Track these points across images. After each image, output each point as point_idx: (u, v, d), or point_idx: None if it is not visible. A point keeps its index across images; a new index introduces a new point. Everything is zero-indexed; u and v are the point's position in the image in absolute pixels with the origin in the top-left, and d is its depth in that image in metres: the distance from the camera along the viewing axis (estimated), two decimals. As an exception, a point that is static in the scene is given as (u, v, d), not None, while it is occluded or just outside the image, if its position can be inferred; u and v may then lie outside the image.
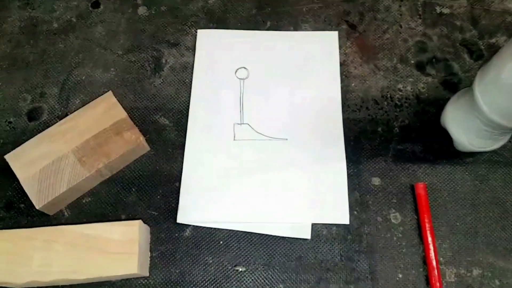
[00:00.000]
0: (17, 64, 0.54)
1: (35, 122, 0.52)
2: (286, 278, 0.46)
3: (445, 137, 0.51)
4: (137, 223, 0.42)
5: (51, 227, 0.43)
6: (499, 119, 0.42)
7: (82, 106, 0.49)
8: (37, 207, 0.44)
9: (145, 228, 0.45)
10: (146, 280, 0.46)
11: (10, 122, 0.52)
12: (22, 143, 0.48)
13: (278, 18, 0.58)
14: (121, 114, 0.48)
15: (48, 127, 0.49)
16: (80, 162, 0.46)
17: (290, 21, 0.58)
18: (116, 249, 0.41)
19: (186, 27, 0.57)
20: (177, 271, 0.46)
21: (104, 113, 0.48)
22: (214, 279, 0.46)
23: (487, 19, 0.58)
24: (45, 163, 0.45)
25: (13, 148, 0.48)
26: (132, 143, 0.47)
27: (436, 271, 0.46)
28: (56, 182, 0.45)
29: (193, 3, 0.58)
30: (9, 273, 0.40)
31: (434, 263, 0.46)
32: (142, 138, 0.48)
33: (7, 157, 0.46)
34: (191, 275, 0.46)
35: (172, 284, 0.46)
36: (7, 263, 0.41)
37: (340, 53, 0.56)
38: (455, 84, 0.55)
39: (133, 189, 0.49)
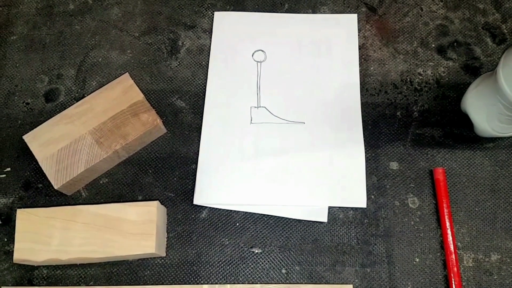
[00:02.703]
0: (34, 45, 0.57)
1: (52, 103, 0.54)
2: (302, 260, 0.48)
3: (465, 122, 0.52)
4: (155, 204, 0.45)
5: (70, 206, 0.45)
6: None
7: (99, 88, 0.52)
8: (55, 187, 0.47)
9: (162, 209, 0.47)
10: (163, 260, 0.48)
11: (27, 103, 0.54)
12: (40, 124, 0.51)
13: (294, 3, 0.59)
14: (138, 96, 0.50)
15: (65, 108, 0.51)
16: (97, 143, 0.48)
17: (309, 3, 0.59)
18: (134, 229, 0.44)
19: (203, 9, 0.59)
20: (193, 252, 0.49)
21: (121, 95, 0.50)
22: (230, 260, 0.48)
23: (511, 2, 0.59)
24: (63, 144, 0.48)
25: (31, 129, 0.51)
26: (149, 125, 0.49)
27: (453, 255, 0.48)
28: (74, 162, 0.47)
29: (210, -16, 0.60)
30: (29, 251, 0.43)
31: (451, 247, 0.48)
32: (159, 120, 0.50)
33: (26, 137, 0.49)
34: (207, 255, 0.49)
35: (188, 264, 0.48)
36: (27, 241, 0.43)
37: (359, 36, 0.57)
38: (476, 69, 0.56)
39: (150, 171, 0.52)
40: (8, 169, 0.52)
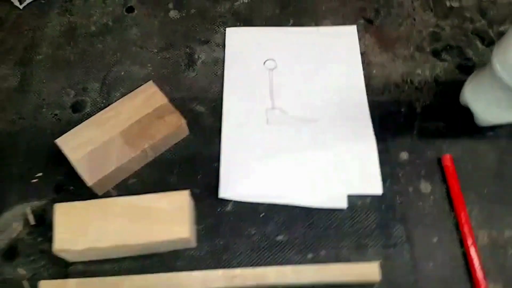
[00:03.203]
0: (59, 63, 0.61)
1: (79, 114, 0.58)
2: (326, 245, 0.51)
3: (466, 114, 0.57)
4: (186, 192, 0.48)
5: (104, 199, 0.48)
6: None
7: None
8: (89, 184, 0.49)
9: (191, 201, 0.50)
10: (193, 251, 0.51)
11: (55, 115, 0.58)
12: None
13: (300, 16, 0.65)
14: (162, 100, 0.54)
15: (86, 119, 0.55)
16: (126, 144, 0.52)
17: (311, 18, 0.65)
18: (167, 216, 0.46)
19: (215, 26, 0.64)
20: (221, 242, 0.51)
21: (146, 100, 0.54)
22: (257, 248, 0.51)
23: (495, 10, 0.66)
24: (94, 146, 0.51)
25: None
26: (174, 126, 0.53)
27: (469, 233, 0.51)
28: (105, 162, 0.51)
29: (220, 5, 0.66)
30: (68, 242, 0.45)
31: (466, 226, 0.51)
32: (183, 121, 0.54)
33: (58, 141, 0.52)
34: (235, 245, 0.51)
35: (218, 253, 0.50)
36: (65, 232, 0.46)
37: (360, 45, 0.63)
38: (470, 68, 0.61)
39: (175, 171, 0.55)
40: (40, 174, 0.54)
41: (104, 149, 0.51)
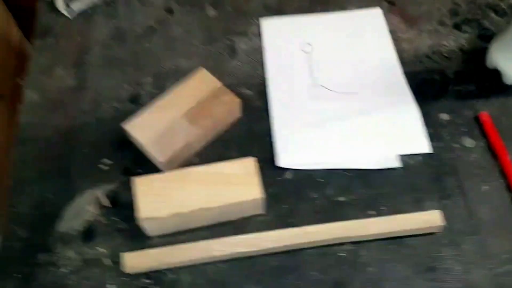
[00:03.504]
0: (111, 62, 0.63)
1: (137, 105, 0.59)
2: (385, 201, 0.53)
3: (494, 75, 0.60)
4: (253, 158, 0.50)
5: (179, 169, 0.50)
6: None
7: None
8: (161, 160, 0.51)
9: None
10: (262, 217, 0.52)
11: (115, 107, 0.60)
12: None
13: (327, 4, 0.69)
14: (216, 83, 0.56)
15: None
16: (190, 123, 0.54)
17: (337, 5, 0.68)
18: (239, 180, 0.48)
19: (250, 19, 0.67)
20: (286, 207, 0.53)
21: (201, 84, 0.56)
22: (320, 210, 0.52)
23: (503, -15, 0.70)
24: (161, 127, 0.53)
25: (120, 129, 0.56)
26: (230, 105, 0.55)
27: (516, 178, 0.53)
28: (173, 140, 0.52)
29: (253, 1, 0.69)
30: (153, 209, 0.47)
31: (512, 172, 0.53)
32: (237, 100, 0.56)
33: (126, 125, 0.54)
34: (299, 209, 0.53)
35: (284, 217, 0.52)
36: (149, 202, 0.47)
37: (387, 24, 0.66)
38: (489, 36, 0.64)
39: (233, 147, 0.56)
40: (108, 161, 0.56)
41: (170, 129, 0.53)
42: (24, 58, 1.01)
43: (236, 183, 0.48)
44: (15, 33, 0.97)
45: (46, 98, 0.61)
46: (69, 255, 0.50)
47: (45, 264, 0.50)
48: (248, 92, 0.61)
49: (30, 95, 0.61)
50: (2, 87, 0.91)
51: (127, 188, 0.54)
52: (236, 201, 0.47)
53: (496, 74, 0.60)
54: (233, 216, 0.51)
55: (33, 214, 0.53)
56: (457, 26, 0.66)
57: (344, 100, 0.59)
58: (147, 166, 0.54)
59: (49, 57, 0.64)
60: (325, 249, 0.50)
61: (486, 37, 0.65)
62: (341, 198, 0.53)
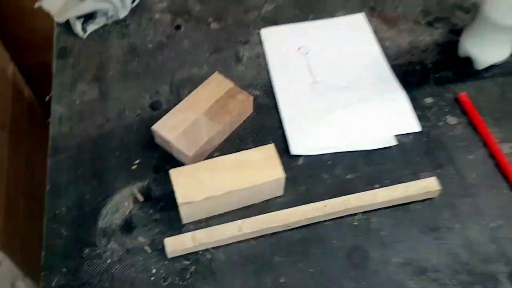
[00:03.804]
0: (129, 75, 0.68)
1: (158, 111, 0.64)
2: (387, 175, 0.58)
3: (467, 63, 0.67)
4: (272, 145, 0.55)
5: (208, 160, 0.54)
6: (505, 20, 0.59)
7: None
8: (190, 154, 0.55)
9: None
10: (282, 198, 0.57)
11: (138, 114, 0.64)
12: (151, 127, 0.60)
13: (317, 13, 0.75)
14: (230, 84, 0.62)
15: (167, 112, 0.61)
16: (211, 120, 0.58)
17: (326, 13, 0.75)
18: (262, 164, 0.53)
19: (250, 30, 0.73)
20: (302, 188, 0.58)
21: (216, 86, 0.61)
22: (333, 187, 0.57)
23: (465, -13, 0.78)
24: (185, 126, 0.58)
25: (147, 131, 0.61)
26: (244, 102, 0.60)
27: (497, 146, 0.59)
28: (197, 136, 0.57)
29: (251, 14, 0.75)
30: (189, 194, 0.51)
31: (493, 141, 0.60)
32: (251, 98, 0.61)
33: (154, 127, 0.58)
34: (315, 189, 0.57)
35: (302, 197, 0.57)
36: (186, 189, 0.51)
37: (370, 26, 0.73)
38: (458, 30, 0.71)
39: (249, 140, 0.61)
40: (138, 161, 0.60)
41: (194, 127, 0.58)
42: (18, 90, 1.05)
43: (260, 167, 0.53)
44: (9, 66, 1.01)
45: (72, 111, 0.64)
46: (112, 247, 0.54)
47: (90, 257, 0.53)
48: (256, 92, 0.66)
49: (57, 109, 0.65)
50: (3, 117, 0.94)
51: (158, 183, 0.58)
52: (261, 182, 0.52)
53: (468, 61, 0.68)
54: (257, 199, 0.55)
55: (72, 214, 0.56)
56: (430, 24, 0.74)
57: (342, 93, 0.65)
58: (173, 163, 0.58)
59: (70, 74, 0.68)
60: (340, 220, 0.56)
61: (456, 31, 0.72)
62: (349, 176, 0.59)
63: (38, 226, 1.00)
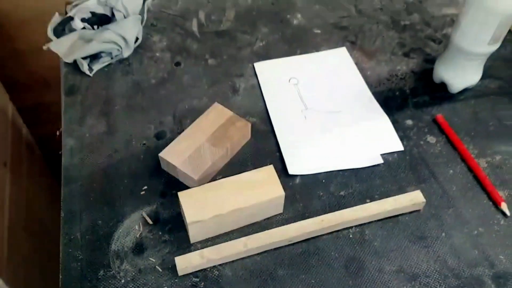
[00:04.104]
0: (134, 109, 0.71)
1: (162, 140, 0.67)
2: (376, 191, 0.62)
3: (442, 88, 0.73)
4: (271, 166, 0.58)
5: (213, 182, 0.57)
6: (473, 48, 0.65)
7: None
8: (195, 178, 0.58)
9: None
10: (281, 216, 0.60)
11: (144, 144, 0.67)
12: (157, 156, 0.63)
13: (304, 47, 0.80)
14: (229, 113, 0.65)
15: (172, 141, 0.65)
16: (214, 146, 0.62)
17: (312, 47, 0.80)
18: (262, 184, 0.56)
19: (244, 64, 0.77)
20: (301, 205, 0.61)
21: (217, 115, 0.65)
22: (328, 203, 0.61)
23: (435, 21, 0.84)
24: (190, 152, 0.61)
25: (153, 159, 0.64)
26: (243, 128, 0.64)
27: (473, 161, 0.64)
28: (202, 161, 0.60)
29: (244, 50, 0.79)
30: (197, 214, 0.53)
31: (470, 157, 0.64)
32: (249, 124, 0.65)
33: (161, 154, 0.61)
34: (312, 205, 0.60)
35: (300, 214, 0.60)
36: (193, 209, 0.54)
37: (352, 58, 0.78)
38: (432, 59, 0.77)
39: (249, 164, 0.64)
40: (145, 187, 0.62)
41: (198, 153, 0.61)
42: (18, 130, 1.07)
43: (261, 186, 0.56)
44: (9, 106, 1.04)
45: (82, 143, 0.67)
46: (125, 267, 0.56)
47: (105, 278, 0.55)
48: (253, 119, 0.70)
49: (68, 142, 0.67)
50: (4, 155, 0.96)
51: (165, 207, 0.61)
52: (263, 200, 0.55)
53: (443, 86, 0.73)
54: (259, 217, 0.58)
55: (87, 238, 0.58)
56: (406, 55, 0.79)
57: (331, 118, 0.69)
58: (179, 188, 0.60)
59: (79, 110, 0.71)
60: (337, 233, 0.58)
61: (430, 60, 0.78)
62: (342, 193, 0.62)
63: (39, 258, 1.01)
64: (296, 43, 0.81)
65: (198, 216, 0.53)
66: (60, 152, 0.67)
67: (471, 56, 0.67)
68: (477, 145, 0.67)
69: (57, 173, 0.87)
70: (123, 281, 0.55)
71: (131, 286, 0.54)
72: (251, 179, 0.57)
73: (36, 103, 1.19)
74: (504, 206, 0.60)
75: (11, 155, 0.99)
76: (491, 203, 0.61)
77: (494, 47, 0.65)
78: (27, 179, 1.04)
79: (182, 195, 0.55)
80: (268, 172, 0.58)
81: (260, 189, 0.56)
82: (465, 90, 0.72)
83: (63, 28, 0.78)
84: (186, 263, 0.54)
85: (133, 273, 0.55)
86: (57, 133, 0.70)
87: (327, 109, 0.71)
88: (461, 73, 0.69)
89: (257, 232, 0.57)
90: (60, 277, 0.55)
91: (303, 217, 0.59)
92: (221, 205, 0.54)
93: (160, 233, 0.59)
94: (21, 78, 1.11)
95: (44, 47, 0.78)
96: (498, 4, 0.60)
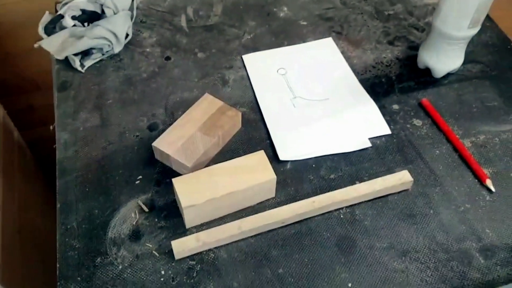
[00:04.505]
0: (127, 102, 0.72)
1: (155, 132, 0.68)
2: (366, 173, 0.63)
3: (426, 73, 0.75)
4: (261, 152, 0.59)
5: (206, 168, 0.58)
6: (453, 32, 0.67)
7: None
8: (189, 166, 0.60)
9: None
10: (274, 200, 0.61)
11: (137, 135, 0.68)
12: (151, 147, 0.65)
13: (291, 39, 0.82)
14: (220, 103, 0.67)
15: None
16: (205, 134, 0.63)
17: (299, 39, 0.82)
18: (254, 168, 0.57)
19: (233, 56, 0.79)
20: (292, 189, 0.62)
21: (208, 105, 0.66)
22: (319, 187, 0.62)
23: (418, 10, 0.87)
24: (183, 141, 0.62)
25: (146, 150, 0.65)
26: (234, 117, 0.65)
27: (458, 141, 0.66)
28: (194, 149, 0.61)
29: (232, 43, 0.81)
30: (192, 198, 0.54)
31: (455, 137, 0.66)
32: (239, 113, 0.66)
33: (155, 144, 0.62)
34: (303, 189, 0.62)
35: (292, 197, 0.61)
36: (188, 194, 0.55)
37: (338, 48, 0.80)
38: (416, 46, 0.79)
39: (240, 151, 0.66)
40: (140, 176, 0.63)
41: (190, 141, 0.62)
42: (9, 133, 1.08)
43: (253, 171, 0.57)
44: (0, 109, 1.04)
45: (76, 136, 0.68)
46: (123, 254, 0.57)
47: (102, 265, 0.56)
48: (243, 109, 0.71)
49: (61, 136, 0.68)
50: None
51: (160, 195, 0.62)
52: (255, 183, 0.56)
53: (427, 71, 0.75)
54: (252, 201, 0.59)
55: (83, 227, 0.59)
56: (390, 43, 0.81)
57: (320, 105, 0.71)
58: (173, 176, 0.61)
59: (71, 105, 0.72)
60: (328, 214, 0.60)
61: (414, 47, 0.80)
62: (332, 176, 0.64)
63: (35, 259, 1.01)
64: (283, 34, 0.83)
65: (193, 201, 0.55)
66: (54, 146, 0.68)
67: (452, 41, 0.69)
68: (461, 126, 0.69)
69: (49, 176, 0.88)
70: (120, 267, 0.56)
71: (128, 272, 0.56)
72: (243, 164, 0.58)
73: (26, 106, 1.20)
74: (488, 183, 0.62)
75: (2, 158, 0.99)
76: (476, 180, 0.63)
77: (474, 30, 0.67)
78: (19, 182, 1.04)
79: (176, 181, 0.56)
80: (260, 157, 0.59)
81: (252, 173, 0.57)
82: (448, 74, 0.75)
83: (53, 26, 0.79)
84: (182, 246, 0.55)
85: (131, 259, 0.56)
86: (51, 128, 0.71)
87: (315, 97, 0.72)
88: (444, 58, 0.71)
89: (251, 215, 0.59)
90: (58, 265, 0.56)
91: (295, 200, 0.60)
92: (215, 190, 0.56)
93: (156, 219, 0.60)
94: (11, 81, 1.12)
95: (35, 45, 0.78)
96: (476, -12, 0.62)
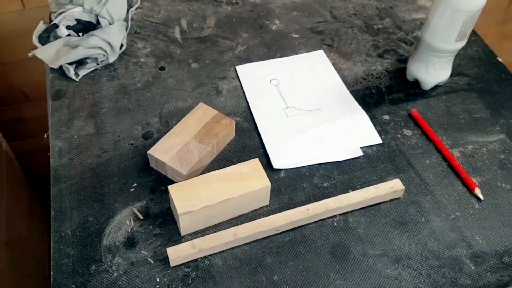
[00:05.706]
0: (122, 111, 0.72)
1: (150, 140, 0.68)
2: (358, 182, 0.64)
3: (415, 85, 0.77)
4: (256, 159, 0.60)
5: (203, 175, 0.59)
6: (441, 45, 0.69)
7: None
8: (184, 173, 0.60)
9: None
10: (268, 207, 0.62)
11: (132, 144, 0.68)
12: (145, 155, 0.65)
13: (283, 51, 0.83)
14: (214, 112, 0.67)
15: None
16: (200, 142, 0.63)
17: (291, 51, 0.83)
18: (249, 176, 0.58)
19: (226, 67, 0.80)
20: (286, 197, 0.63)
21: (202, 114, 0.67)
22: (312, 195, 0.63)
23: (406, 25, 0.89)
24: (178, 148, 0.62)
25: (141, 159, 0.66)
26: (228, 126, 0.66)
27: (448, 151, 0.67)
28: (189, 157, 0.62)
29: (226, 54, 0.82)
30: (188, 205, 0.55)
31: (444, 147, 0.68)
32: (233, 122, 0.67)
33: (150, 151, 0.62)
34: (296, 197, 0.63)
35: (286, 206, 0.62)
36: (184, 201, 0.55)
37: (329, 60, 0.82)
38: (405, 59, 0.82)
39: (234, 160, 0.66)
40: (135, 184, 0.63)
41: (185, 149, 0.62)
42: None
43: (248, 178, 0.58)
44: None
45: (70, 144, 0.68)
46: (118, 261, 0.57)
47: (97, 272, 0.56)
48: (237, 118, 0.72)
49: (56, 143, 0.68)
50: None
51: (155, 203, 0.62)
52: (250, 191, 0.57)
53: (416, 83, 0.77)
54: (247, 208, 0.60)
55: (78, 235, 0.59)
56: (380, 56, 0.83)
57: (312, 115, 0.72)
58: (168, 184, 0.62)
59: (66, 113, 0.72)
60: (322, 222, 0.61)
61: (403, 60, 0.82)
62: (325, 184, 0.64)
63: (23, 271, 0.99)
64: (276, 47, 0.84)
65: (188, 207, 0.55)
66: (48, 154, 0.67)
67: (440, 53, 0.71)
68: (450, 136, 0.70)
69: (36, 188, 0.87)
70: (115, 274, 0.56)
71: (123, 279, 0.55)
72: (238, 171, 0.59)
73: (15, 118, 1.19)
74: (477, 191, 0.63)
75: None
76: (465, 189, 0.64)
77: (461, 44, 0.70)
78: (6, 194, 1.03)
79: (172, 188, 0.57)
80: (254, 165, 0.60)
81: (247, 180, 0.58)
82: (436, 86, 0.77)
83: (48, 36, 0.80)
84: (178, 253, 0.55)
85: (126, 266, 0.56)
86: (45, 136, 0.71)
87: (307, 108, 0.74)
88: (432, 71, 0.73)
89: (245, 222, 0.59)
90: (52, 273, 0.55)
91: (289, 208, 0.61)
92: (210, 197, 0.56)
93: (151, 227, 0.60)
94: (1, 92, 1.11)
95: (30, 54, 0.78)
96: (464, 2, 0.64)
